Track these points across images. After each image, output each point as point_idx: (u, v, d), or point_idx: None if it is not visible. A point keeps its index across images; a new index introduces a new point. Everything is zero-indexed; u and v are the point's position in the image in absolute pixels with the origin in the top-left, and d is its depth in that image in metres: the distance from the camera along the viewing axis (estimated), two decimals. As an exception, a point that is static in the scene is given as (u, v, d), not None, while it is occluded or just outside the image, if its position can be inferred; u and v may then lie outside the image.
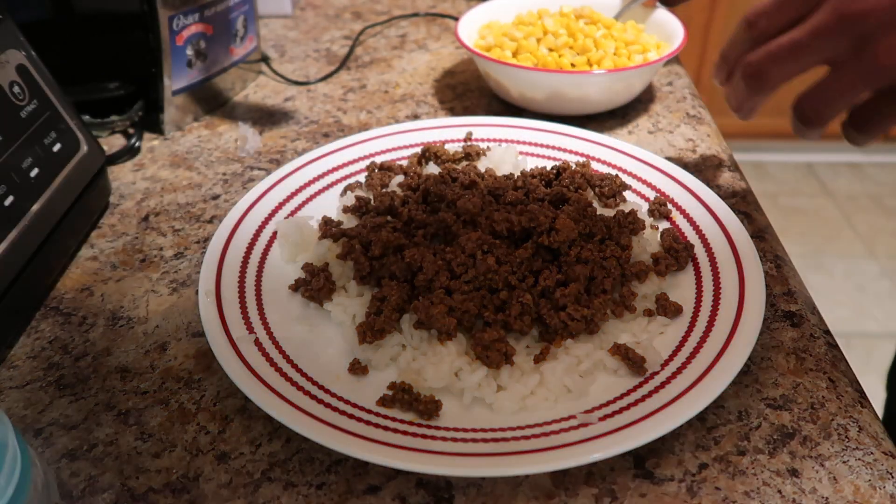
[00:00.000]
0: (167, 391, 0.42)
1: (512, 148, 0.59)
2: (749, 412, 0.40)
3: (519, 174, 0.54)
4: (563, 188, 0.51)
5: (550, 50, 0.68)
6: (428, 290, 0.43)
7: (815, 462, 0.37)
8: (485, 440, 0.37)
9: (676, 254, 0.48)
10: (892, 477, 0.36)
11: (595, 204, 0.53)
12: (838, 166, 2.32)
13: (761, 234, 0.54)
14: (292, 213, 0.54)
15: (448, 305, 0.42)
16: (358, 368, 0.42)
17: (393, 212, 0.51)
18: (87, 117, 0.65)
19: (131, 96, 0.68)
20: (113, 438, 0.40)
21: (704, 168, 0.61)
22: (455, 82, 0.77)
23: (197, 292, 0.46)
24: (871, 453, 0.37)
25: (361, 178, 0.58)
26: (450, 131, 0.62)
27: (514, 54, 0.69)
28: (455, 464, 0.35)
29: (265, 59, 0.81)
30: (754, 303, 0.43)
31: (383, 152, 0.60)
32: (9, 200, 0.45)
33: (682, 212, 0.52)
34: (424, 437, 0.37)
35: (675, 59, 0.78)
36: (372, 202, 0.52)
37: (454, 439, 0.37)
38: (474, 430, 0.38)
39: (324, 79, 0.78)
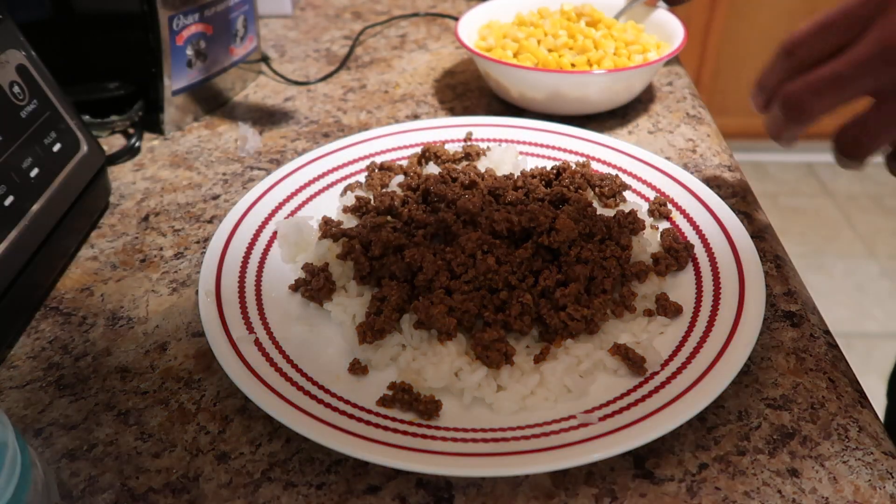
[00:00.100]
0: (167, 391, 0.42)
1: (512, 148, 0.59)
2: (749, 412, 0.40)
3: (519, 174, 0.54)
4: (563, 188, 0.51)
5: (550, 50, 0.68)
6: (428, 290, 0.43)
7: (815, 462, 0.37)
8: (485, 440, 0.37)
9: (676, 254, 0.48)
10: (892, 477, 0.36)
11: (595, 204, 0.53)
12: (838, 166, 2.31)
13: (761, 234, 0.54)
14: (292, 213, 0.54)
15: (448, 305, 0.42)
16: (358, 368, 0.42)
17: (393, 212, 0.51)
18: (87, 117, 0.65)
19: (131, 96, 0.68)
20: (113, 438, 0.40)
21: (704, 168, 0.61)
22: (455, 82, 0.77)
23: (197, 292, 0.46)
24: (871, 453, 0.37)
25: (361, 178, 0.58)
26: (450, 131, 0.62)
27: (515, 55, 0.69)
28: (455, 464, 0.35)
29: (265, 59, 0.81)
30: (754, 303, 0.43)
31: (383, 152, 0.60)
32: (9, 200, 0.45)
33: (682, 212, 0.52)
34: (424, 437, 0.37)
35: (675, 59, 0.78)
36: (372, 202, 0.52)
37: (454, 439, 0.37)
38: (474, 430, 0.38)
39: (324, 79, 0.78)
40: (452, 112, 0.71)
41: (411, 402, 0.39)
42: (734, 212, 0.51)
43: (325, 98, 0.74)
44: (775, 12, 2.08)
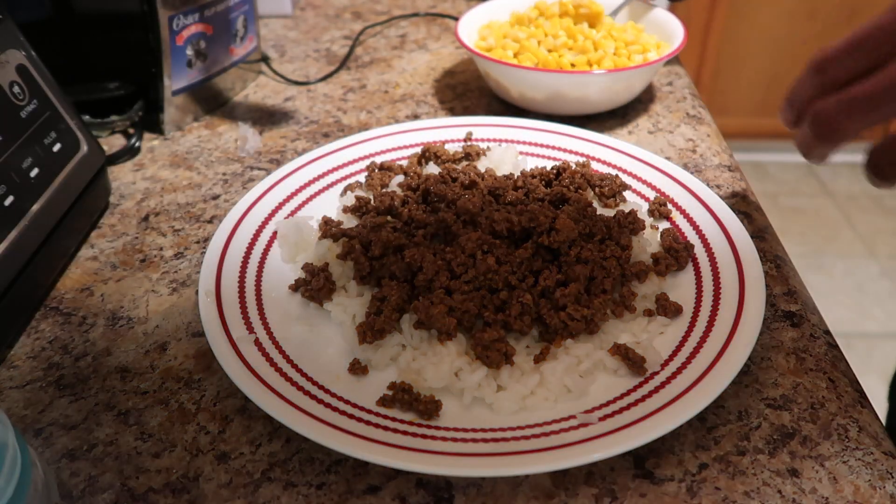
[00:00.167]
0: (167, 391, 0.42)
1: (512, 148, 0.59)
2: (749, 412, 0.40)
3: (519, 174, 0.54)
4: (563, 188, 0.51)
5: (550, 50, 0.68)
6: (428, 290, 0.43)
7: (815, 462, 0.37)
8: (485, 440, 0.37)
9: (676, 254, 0.48)
10: (892, 477, 0.36)
11: (595, 204, 0.53)
12: (838, 166, 2.32)
13: (761, 234, 0.54)
14: (292, 213, 0.54)
15: (448, 305, 0.42)
16: (358, 368, 0.42)
17: (393, 212, 0.51)
18: (87, 117, 0.65)
19: (131, 96, 0.68)
20: (113, 438, 0.40)
21: (704, 168, 0.61)
22: (455, 82, 0.77)
23: (197, 292, 0.46)
24: (871, 453, 0.37)
25: (361, 178, 0.58)
26: (450, 131, 0.62)
27: (515, 55, 0.69)
28: (455, 464, 0.35)
29: (265, 59, 0.81)
30: (754, 303, 0.43)
31: (383, 152, 0.60)
32: (9, 200, 0.45)
33: (682, 212, 0.52)
34: (424, 437, 0.37)
35: (675, 59, 0.78)
36: (372, 202, 0.52)
37: (454, 439, 0.37)
38: (474, 430, 0.38)
39: (324, 79, 0.78)
40: (452, 112, 0.71)
41: (411, 402, 0.39)
42: (734, 212, 0.51)
43: (325, 98, 0.74)
44: (775, 12, 2.08)
